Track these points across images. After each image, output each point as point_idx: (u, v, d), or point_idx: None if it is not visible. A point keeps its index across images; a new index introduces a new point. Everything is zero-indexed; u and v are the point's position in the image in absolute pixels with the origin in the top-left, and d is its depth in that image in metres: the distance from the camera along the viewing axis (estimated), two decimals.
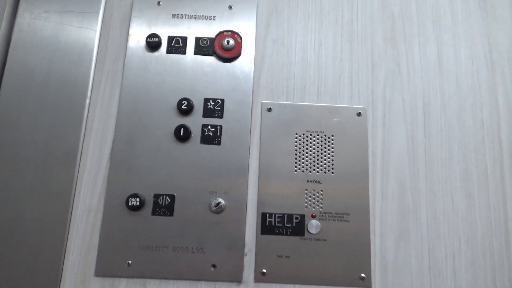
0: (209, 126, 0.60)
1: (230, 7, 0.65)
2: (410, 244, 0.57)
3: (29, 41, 0.62)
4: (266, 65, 0.64)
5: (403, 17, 0.67)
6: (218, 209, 0.56)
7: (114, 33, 0.64)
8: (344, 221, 0.57)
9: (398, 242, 0.57)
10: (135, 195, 0.55)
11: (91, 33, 0.63)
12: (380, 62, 0.64)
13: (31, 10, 0.64)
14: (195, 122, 0.60)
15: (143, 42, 0.63)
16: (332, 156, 0.59)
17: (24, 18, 0.63)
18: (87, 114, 0.60)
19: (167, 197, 0.57)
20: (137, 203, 0.55)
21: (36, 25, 0.63)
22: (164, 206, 0.56)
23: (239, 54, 0.63)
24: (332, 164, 0.59)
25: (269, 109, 0.61)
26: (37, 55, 0.62)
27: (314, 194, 0.58)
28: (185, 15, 0.65)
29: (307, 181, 0.58)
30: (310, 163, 0.59)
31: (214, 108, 0.60)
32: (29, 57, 0.61)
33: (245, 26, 0.65)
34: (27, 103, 0.59)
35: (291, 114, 0.61)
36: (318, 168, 0.59)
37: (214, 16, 0.65)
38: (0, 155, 0.57)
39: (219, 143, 0.59)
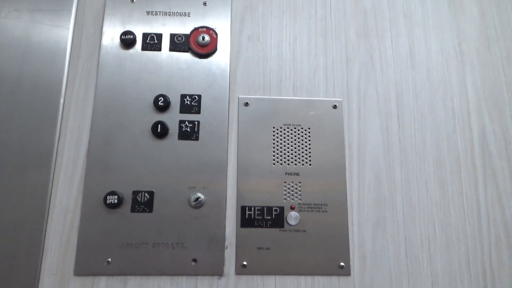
0: (187, 122, 0.60)
1: (204, 4, 0.65)
2: (387, 232, 0.58)
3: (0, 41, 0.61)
4: (242, 61, 0.64)
5: (375, 12, 0.68)
6: (198, 204, 0.56)
7: (88, 31, 0.63)
8: (323, 211, 0.58)
9: (375, 230, 0.58)
10: (113, 193, 0.55)
11: (63, 31, 0.63)
12: (354, 56, 0.66)
13: (0, 9, 0.62)
14: (172, 118, 0.60)
15: (117, 40, 0.62)
16: (310, 148, 0.60)
17: None
18: (62, 114, 0.59)
19: (146, 194, 0.56)
20: (115, 201, 0.55)
21: (7, 24, 0.62)
22: (143, 203, 0.56)
23: (214, 50, 0.63)
24: (310, 157, 0.60)
25: (246, 104, 0.62)
26: (9, 55, 0.60)
27: (292, 187, 0.58)
28: (159, 12, 0.65)
29: (286, 173, 0.59)
30: (288, 156, 0.60)
31: (191, 104, 0.60)
32: (0, 56, 0.60)
33: (220, 22, 0.65)
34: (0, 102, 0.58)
35: (268, 108, 0.62)
36: (296, 160, 0.59)
37: (188, 13, 0.65)
38: None
39: (197, 139, 0.59)
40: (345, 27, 0.67)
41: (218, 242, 0.55)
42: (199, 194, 0.56)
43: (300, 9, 0.67)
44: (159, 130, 0.58)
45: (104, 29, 0.63)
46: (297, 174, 0.59)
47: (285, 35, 0.66)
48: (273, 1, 0.67)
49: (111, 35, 0.63)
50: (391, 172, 0.60)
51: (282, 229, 0.57)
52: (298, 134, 0.61)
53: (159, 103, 0.59)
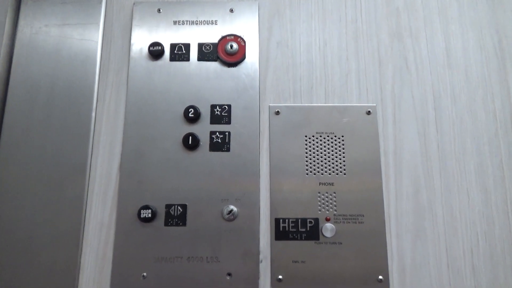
0: (217, 133, 0.59)
1: (231, 11, 0.64)
2: (427, 243, 0.56)
3: (31, 56, 0.62)
4: (271, 68, 0.63)
5: (408, 10, 0.65)
6: (231, 216, 0.55)
7: (116, 44, 0.63)
8: (359, 223, 0.56)
9: (415, 241, 0.56)
10: (146, 207, 0.55)
11: (92, 44, 0.63)
12: (387, 58, 0.63)
13: (31, 25, 0.63)
14: (203, 129, 0.59)
15: (145, 51, 0.62)
16: (344, 157, 0.58)
17: (24, 33, 0.63)
18: (94, 128, 0.59)
19: (179, 207, 0.56)
20: (149, 215, 0.55)
21: (37, 40, 0.62)
22: (176, 216, 0.56)
23: (243, 58, 0.62)
24: (344, 165, 0.58)
25: (277, 112, 0.60)
26: (40, 70, 0.61)
27: (327, 197, 0.57)
28: (186, 21, 0.64)
29: (320, 183, 0.57)
30: (322, 165, 0.58)
31: (221, 114, 0.60)
32: (32, 72, 0.61)
33: (247, 29, 0.64)
34: (32, 119, 0.59)
35: (299, 116, 0.60)
36: (330, 170, 0.58)
37: (215, 21, 0.64)
38: (8, 172, 0.57)
39: (228, 150, 0.58)
40: (377, 28, 0.65)
41: (253, 256, 0.55)
42: (232, 207, 0.56)
43: (329, 12, 0.65)
44: (190, 142, 0.58)
45: (132, 41, 0.63)
46: (332, 184, 0.57)
47: (314, 40, 0.64)
48: (301, 5, 0.65)
49: (139, 47, 0.62)
50: (430, 179, 0.58)
51: (317, 241, 0.55)
52: (331, 142, 0.59)
53: (189, 115, 0.59)
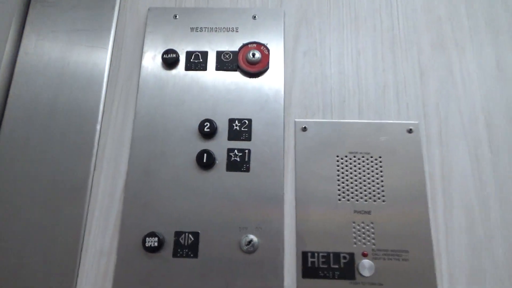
0: (236, 151, 0.52)
1: (254, 17, 0.58)
2: (486, 285, 0.46)
3: (35, 64, 0.56)
4: (297, 79, 0.56)
5: (452, 19, 0.58)
6: (250, 248, 0.47)
7: (127, 51, 0.58)
8: (403, 260, 0.47)
9: (471, 284, 0.46)
10: (153, 234, 0.47)
11: (102, 52, 0.57)
12: (429, 70, 0.56)
13: (37, 31, 0.58)
14: (220, 146, 0.52)
15: (159, 59, 0.56)
16: (382, 181, 0.50)
17: (30, 39, 0.58)
18: (98, 142, 0.53)
19: (190, 235, 0.48)
20: (156, 243, 0.47)
21: (43, 47, 0.57)
22: (187, 246, 0.48)
23: (266, 68, 0.55)
24: (383, 191, 0.50)
25: (304, 129, 0.53)
26: (44, 79, 0.56)
27: (363, 228, 0.48)
28: (205, 28, 0.58)
29: (354, 211, 0.49)
30: (357, 191, 0.50)
31: (240, 129, 0.53)
32: (35, 81, 0.55)
33: (272, 37, 0.57)
34: (32, 130, 0.53)
35: (329, 133, 0.53)
36: (366, 196, 0.50)
37: (236, 28, 0.58)
38: (1, 190, 0.50)
39: (247, 170, 0.51)
40: (417, 38, 0.58)
41: None
42: (252, 236, 0.47)
43: (363, 20, 0.59)
44: (205, 160, 0.51)
45: (145, 48, 0.57)
46: (369, 212, 0.49)
47: (346, 49, 0.57)
48: (331, 12, 0.59)
49: (152, 55, 0.57)
50: (486, 209, 0.49)
51: (353, 281, 0.46)
52: (367, 164, 0.51)
53: (205, 129, 0.52)
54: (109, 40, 0.58)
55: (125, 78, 0.56)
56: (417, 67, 0.56)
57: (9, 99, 0.54)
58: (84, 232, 0.49)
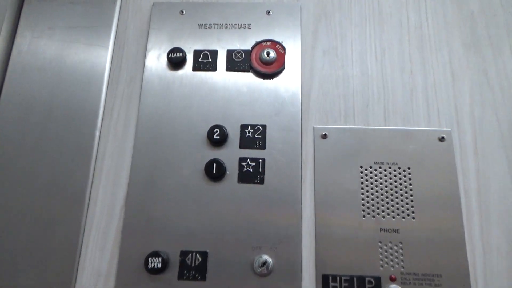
0: (249, 160, 0.47)
1: (268, 13, 0.53)
2: None
3: (29, 64, 0.52)
4: (316, 81, 0.51)
5: (486, 16, 0.53)
6: (264, 270, 0.42)
7: (129, 50, 0.53)
8: (435, 285, 0.42)
9: None
10: (156, 254, 0.42)
11: (102, 50, 0.52)
12: (462, 72, 0.50)
13: (33, 28, 0.54)
14: (231, 155, 0.47)
15: (164, 59, 0.51)
16: (411, 195, 0.45)
17: (24, 37, 0.53)
18: (97, 149, 0.48)
19: (197, 255, 0.43)
20: (159, 264, 0.42)
21: (38, 45, 0.53)
22: (194, 267, 0.43)
23: (282, 69, 0.50)
24: (412, 207, 0.45)
25: (324, 136, 0.48)
26: (39, 80, 0.51)
27: (391, 248, 0.43)
28: (214, 24, 0.53)
29: (381, 229, 0.44)
30: (383, 206, 0.45)
31: (253, 136, 0.48)
32: (29, 82, 0.51)
33: (288, 34, 0.52)
34: (25, 137, 0.48)
35: (352, 141, 0.47)
36: (393, 212, 0.44)
37: (249, 24, 0.53)
38: None
39: (262, 182, 0.46)
40: (448, 36, 0.52)
41: None
42: (266, 257, 0.42)
43: (388, 15, 0.53)
44: (214, 171, 0.46)
45: (149, 46, 0.52)
46: (397, 231, 0.44)
47: (370, 48, 0.52)
48: (353, 6, 0.54)
49: (156, 54, 0.52)
50: None
51: None
52: (395, 176, 0.46)
53: (215, 136, 0.47)
54: (109, 38, 0.53)
55: (127, 79, 0.52)
56: (448, 68, 0.51)
57: (0, 102, 0.50)
58: (80, 250, 0.44)
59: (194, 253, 0.43)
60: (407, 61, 0.51)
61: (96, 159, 0.48)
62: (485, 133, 0.48)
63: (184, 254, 0.43)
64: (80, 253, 0.44)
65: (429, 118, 0.49)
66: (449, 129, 0.48)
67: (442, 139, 0.47)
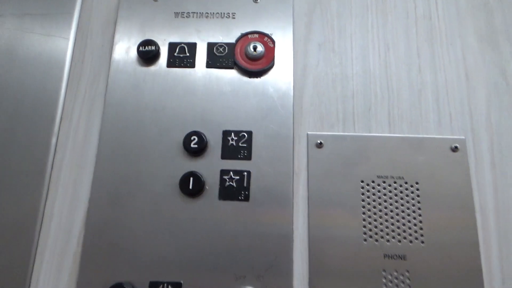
0: (232, 173, 0.40)
1: (255, 0, 0.46)
2: None
3: None
4: (310, 80, 0.44)
5: (503, 6, 0.47)
6: None
7: (94, 42, 0.45)
8: None
9: None
10: (120, 286, 0.36)
11: (61, 42, 0.45)
12: (476, 70, 0.44)
13: None
14: (211, 167, 0.40)
15: (134, 53, 0.44)
16: (419, 215, 0.39)
17: None
18: (53, 160, 0.41)
19: (170, 287, 0.37)
20: None
21: None
22: None
23: (271, 65, 0.43)
24: (421, 229, 0.38)
25: (319, 145, 0.41)
26: None
27: (397, 278, 0.37)
28: (193, 13, 0.46)
29: (385, 256, 0.38)
30: (387, 228, 0.38)
31: (237, 145, 0.41)
32: None
33: (277, 25, 0.45)
34: None
35: (352, 151, 0.41)
36: (399, 235, 0.38)
37: (233, 13, 0.46)
38: None
39: (246, 199, 0.39)
40: (460, 29, 0.46)
41: None
42: None
43: (392, 4, 0.47)
44: (191, 186, 0.39)
45: (117, 38, 0.45)
46: (403, 257, 0.37)
47: (372, 42, 0.45)
48: None
49: (125, 47, 0.44)
50: None
51: None
52: (401, 192, 0.40)
53: (192, 145, 0.40)
54: (70, 28, 0.46)
55: (91, 76, 0.44)
56: (461, 66, 0.44)
57: None
58: (30, 282, 0.37)
59: (165, 284, 0.37)
60: (414, 57, 0.45)
61: (51, 170, 0.41)
62: (504, 141, 0.41)
63: (154, 285, 0.37)
64: (29, 285, 0.37)
65: (440, 124, 0.42)
66: (463, 137, 0.42)
67: (455, 149, 0.41)
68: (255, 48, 0.43)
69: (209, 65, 0.44)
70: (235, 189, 0.40)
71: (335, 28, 0.46)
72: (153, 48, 0.43)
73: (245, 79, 0.43)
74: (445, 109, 0.43)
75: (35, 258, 0.38)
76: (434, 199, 0.39)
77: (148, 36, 0.45)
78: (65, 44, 0.45)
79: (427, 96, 0.43)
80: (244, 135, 0.41)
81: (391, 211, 0.39)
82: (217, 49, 0.44)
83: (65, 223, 0.39)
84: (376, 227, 0.39)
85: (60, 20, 0.46)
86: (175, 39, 0.45)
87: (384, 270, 0.37)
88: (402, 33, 0.46)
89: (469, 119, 0.42)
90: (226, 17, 0.46)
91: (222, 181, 0.40)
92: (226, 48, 0.44)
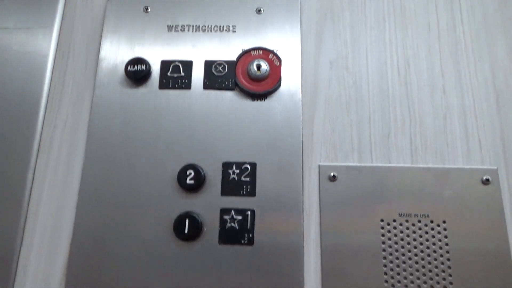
0: (233, 212, 0.35)
1: (258, 11, 0.41)
2: None
3: None
4: (321, 103, 0.39)
5: None
6: None
7: (76, 59, 0.40)
8: None
9: None
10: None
11: (39, 59, 0.40)
12: (509, 91, 0.39)
13: None
14: (210, 205, 0.36)
15: (121, 72, 0.39)
16: (448, 259, 0.34)
17: None
18: (29, 199, 0.36)
19: None
20: None
21: None
22: None
23: (277, 86, 0.38)
24: (450, 275, 0.34)
25: (333, 178, 0.36)
26: None
27: None
28: (188, 26, 0.41)
29: None
30: (412, 273, 0.34)
31: (239, 179, 0.36)
32: None
33: (284, 40, 0.40)
34: None
35: (369, 185, 0.36)
36: (425, 283, 0.33)
37: (233, 26, 0.41)
38: None
39: (250, 242, 0.34)
40: (489, 42, 0.41)
41: None
42: None
43: (412, 14, 0.42)
44: (187, 230, 0.34)
45: (102, 55, 0.40)
46: None
47: (390, 57, 0.40)
48: (367, 3, 0.42)
49: (111, 65, 0.39)
50: None
51: None
52: (426, 232, 0.35)
53: (188, 180, 0.35)
54: (50, 43, 0.41)
55: (72, 99, 0.39)
56: (491, 87, 0.39)
57: None
58: None
59: None
60: (438, 76, 0.40)
61: (27, 212, 0.36)
62: None
63: None
64: None
65: (468, 153, 0.37)
66: (495, 167, 0.37)
67: (486, 181, 0.36)
68: (258, 67, 0.38)
69: (207, 86, 0.39)
70: (237, 232, 0.35)
71: (348, 42, 0.41)
72: (143, 67, 0.38)
73: (248, 102, 0.38)
74: (474, 135, 0.38)
75: None
76: (464, 240, 0.35)
77: (138, 53, 0.40)
78: (44, 61, 0.40)
79: (453, 121, 0.38)
80: (247, 168, 0.36)
81: (416, 254, 0.34)
82: (215, 68, 0.39)
83: (43, 273, 0.34)
84: (399, 274, 0.34)
85: (40, 34, 0.41)
86: (168, 56, 0.40)
87: None
88: (423, 47, 0.41)
89: (501, 146, 0.37)
90: (225, 30, 0.41)
91: (223, 222, 0.35)
92: (226, 66, 0.39)
